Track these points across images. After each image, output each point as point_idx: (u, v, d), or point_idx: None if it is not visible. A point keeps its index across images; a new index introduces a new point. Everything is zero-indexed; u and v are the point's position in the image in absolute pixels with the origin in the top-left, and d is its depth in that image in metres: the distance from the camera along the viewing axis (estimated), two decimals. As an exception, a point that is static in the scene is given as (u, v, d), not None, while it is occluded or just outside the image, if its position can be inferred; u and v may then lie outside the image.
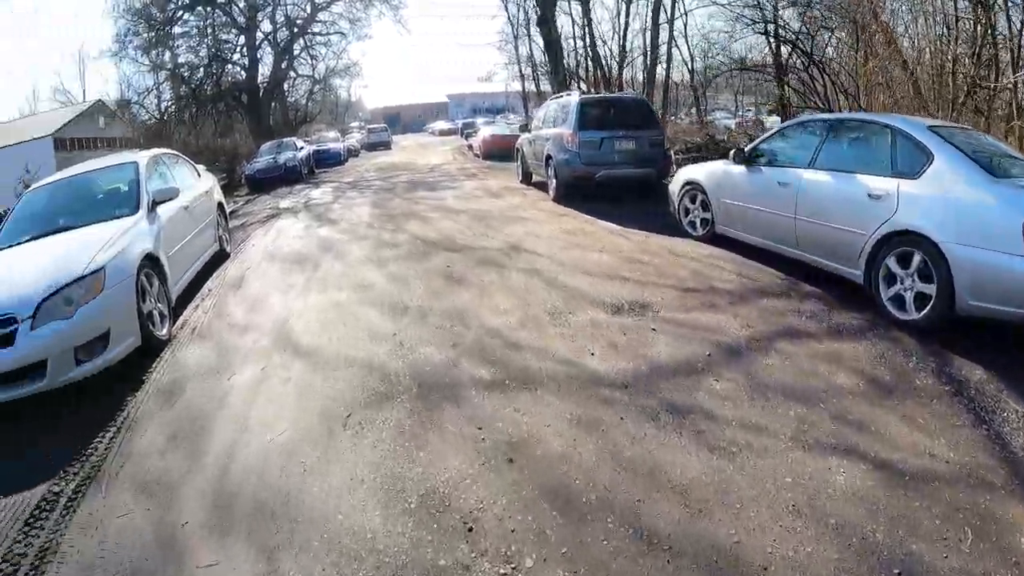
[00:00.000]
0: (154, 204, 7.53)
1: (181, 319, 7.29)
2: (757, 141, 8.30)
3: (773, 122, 20.33)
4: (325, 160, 32.32)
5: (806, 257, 6.90)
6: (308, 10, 40.13)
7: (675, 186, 9.62)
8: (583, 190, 12.50)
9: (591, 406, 4.44)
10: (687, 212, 9.32)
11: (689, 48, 27.77)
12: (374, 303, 7.04)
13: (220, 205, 10.73)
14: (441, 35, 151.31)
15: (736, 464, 3.70)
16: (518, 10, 35.96)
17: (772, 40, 19.86)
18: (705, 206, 8.93)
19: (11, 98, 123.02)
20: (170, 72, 36.87)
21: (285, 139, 29.06)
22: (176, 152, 10.16)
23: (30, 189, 8.45)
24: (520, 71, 38.00)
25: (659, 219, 10.18)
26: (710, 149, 16.18)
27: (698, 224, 9.13)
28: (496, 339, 5.78)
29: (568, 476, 3.66)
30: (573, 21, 29.42)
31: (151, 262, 6.59)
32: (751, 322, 5.81)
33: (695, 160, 14.69)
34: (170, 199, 7.85)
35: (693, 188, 9.15)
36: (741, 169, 8.09)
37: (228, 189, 25.27)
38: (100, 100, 42.40)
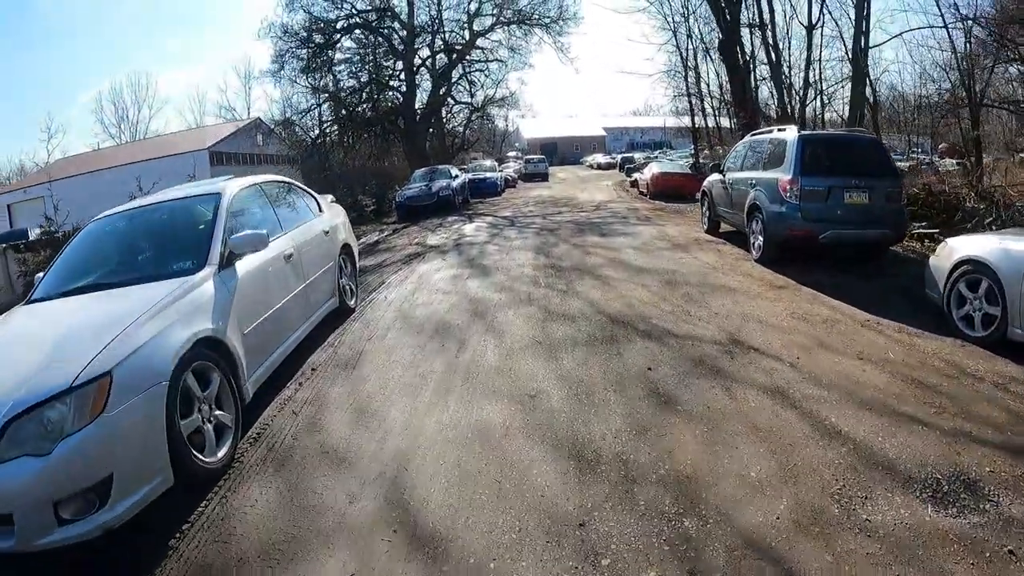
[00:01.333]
0: (231, 257, 5.55)
1: (258, 423, 5.23)
2: None
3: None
4: (481, 190, 30.72)
5: None
6: (467, 37, 39.06)
7: (942, 262, 6.91)
8: (797, 251, 9.82)
9: None
10: (961, 302, 6.55)
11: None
12: (545, 440, 4.54)
13: (346, 248, 8.73)
14: (600, 67, 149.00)
15: None
16: (688, 37, 33.17)
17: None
18: (993, 297, 6.14)
19: (185, 112, 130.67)
20: (327, 94, 36.35)
21: (440, 166, 27.57)
22: (288, 180, 8.32)
23: (96, 218, 6.58)
24: (690, 104, 35.06)
25: (906, 301, 7.75)
26: (971, 211, 12.32)
27: (978, 322, 6.36)
28: (762, 560, 3.18)
29: None
30: (752, 49, 26.44)
31: (211, 349, 4.56)
32: None
33: (923, 219, 11.94)
34: (255, 250, 5.82)
35: (975, 270, 6.36)
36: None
37: (377, 216, 24.31)
38: (259, 118, 43.31)
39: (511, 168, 47.14)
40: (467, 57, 39.66)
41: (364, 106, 37.87)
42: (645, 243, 12.72)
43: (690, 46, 33.35)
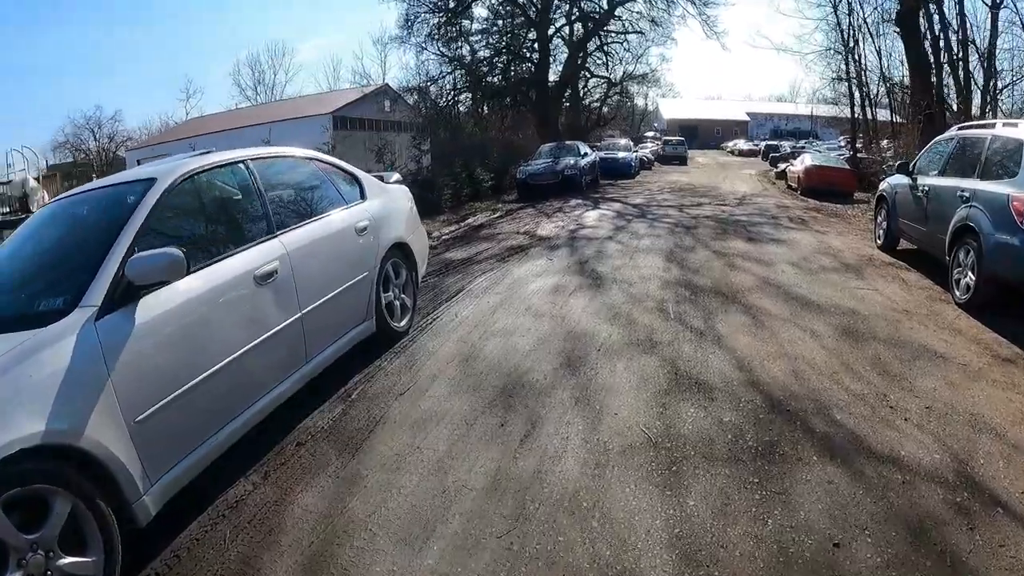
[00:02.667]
0: (130, 291, 3.33)
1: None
2: None
3: None
4: (612, 170, 28.09)
5: None
6: (605, 5, 35.80)
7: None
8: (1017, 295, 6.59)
9: None
10: None
11: None
12: None
13: (399, 248, 6.30)
14: (746, 45, 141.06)
15: None
16: (848, 13, 28.59)
17: None
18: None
19: (319, 78, 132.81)
20: (456, 61, 34.28)
21: (568, 142, 24.97)
22: (308, 154, 5.92)
23: (47, 203, 4.67)
24: (849, 89, 30.55)
25: None
26: None
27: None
28: None
29: None
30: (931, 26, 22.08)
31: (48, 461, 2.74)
32: None
33: None
34: (170, 278, 3.47)
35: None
36: None
37: (495, 192, 22.03)
38: (387, 84, 41.98)
39: (648, 149, 44.49)
40: (605, 28, 36.69)
41: (496, 75, 35.69)
42: (804, 257, 9.69)
43: (851, 23, 29.02)
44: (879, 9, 26.96)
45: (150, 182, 3.84)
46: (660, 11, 35.38)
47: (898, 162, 10.85)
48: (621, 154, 30.28)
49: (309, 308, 4.60)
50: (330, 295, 4.92)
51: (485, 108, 37.06)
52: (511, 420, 4.35)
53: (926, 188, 8.61)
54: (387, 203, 6.32)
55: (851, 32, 28.60)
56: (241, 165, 4.65)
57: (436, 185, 18.29)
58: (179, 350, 3.47)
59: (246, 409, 3.95)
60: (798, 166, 23.26)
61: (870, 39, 28.22)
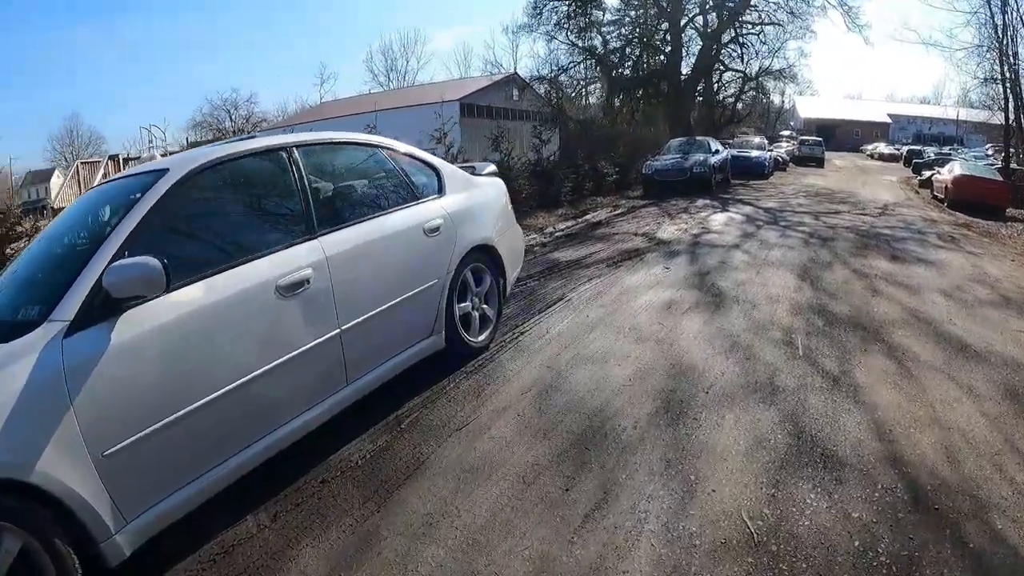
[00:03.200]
0: (109, 304, 2.80)
1: None
2: None
3: None
4: (745, 169, 26.49)
5: None
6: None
7: None
8: None
9: None
10: None
11: None
12: None
13: (483, 251, 5.50)
14: (889, 40, 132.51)
15: None
16: (1003, 6, 25.70)
17: None
18: None
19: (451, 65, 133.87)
20: (587, 51, 33.31)
21: (700, 138, 23.60)
22: (372, 141, 5.06)
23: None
24: (1004, 91, 27.63)
25: None
26: None
27: None
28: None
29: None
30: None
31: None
32: None
33: None
34: (151, 292, 2.89)
35: None
36: None
37: (619, 187, 21.11)
38: (515, 72, 41.39)
39: (783, 149, 42.15)
40: (740, 18, 34.81)
41: (627, 66, 34.55)
42: (957, 286, 8.33)
43: (1005, 19, 26.19)
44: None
45: (160, 173, 3.28)
46: (799, 1, 33.40)
47: None
48: (754, 153, 28.49)
49: (353, 323, 3.92)
50: (383, 307, 4.22)
51: (617, 100, 35.94)
52: (579, 483, 3.49)
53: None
54: (472, 199, 5.54)
55: (1006, 28, 25.98)
56: (282, 154, 4.00)
57: (556, 177, 17.44)
58: (168, 374, 2.88)
59: (260, 439, 3.34)
60: (946, 175, 21.17)
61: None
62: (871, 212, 16.36)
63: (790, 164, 38.66)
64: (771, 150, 33.14)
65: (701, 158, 20.12)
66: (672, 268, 8.69)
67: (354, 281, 4.02)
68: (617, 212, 15.40)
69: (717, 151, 21.93)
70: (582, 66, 34.25)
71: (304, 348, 3.57)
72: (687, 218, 13.80)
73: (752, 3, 34.15)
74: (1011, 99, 26.20)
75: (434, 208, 4.99)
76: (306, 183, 3.98)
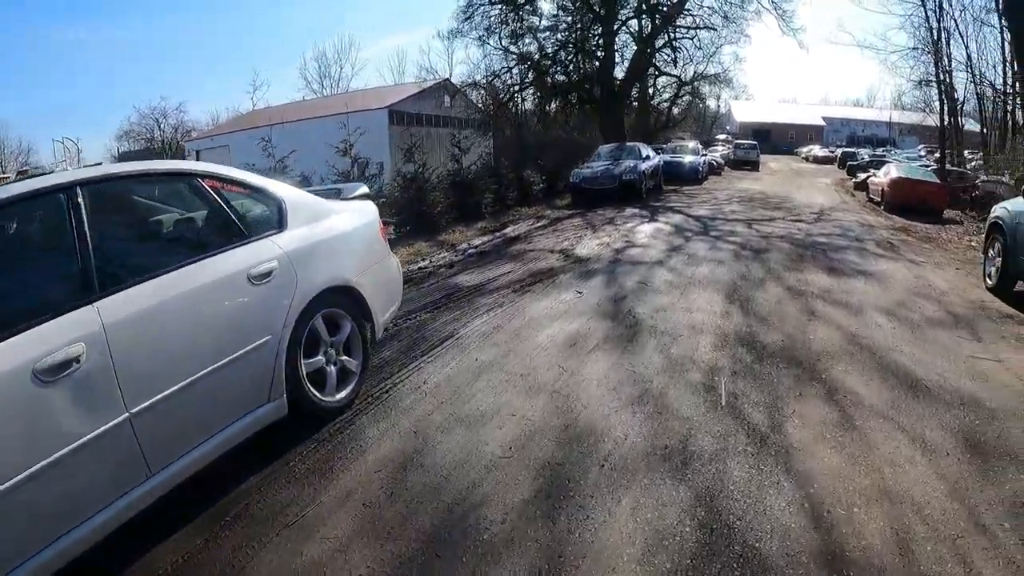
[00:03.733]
0: None
1: None
2: None
3: None
4: (677, 175, 25.91)
5: None
6: (675, -1, 33.30)
7: None
8: None
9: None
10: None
11: None
12: None
13: (343, 294, 4.51)
14: (823, 43, 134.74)
15: None
16: (939, 7, 25.90)
17: None
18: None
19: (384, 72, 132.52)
20: (520, 55, 32.52)
21: (629, 143, 22.90)
22: (197, 168, 4.09)
23: None
24: (939, 92, 27.65)
25: None
26: None
27: None
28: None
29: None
30: None
31: None
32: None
33: None
34: None
35: None
36: None
37: (547, 196, 20.40)
38: (447, 79, 40.41)
39: (718, 153, 41.98)
40: (674, 23, 34.34)
41: (560, 71, 33.85)
42: (901, 302, 7.55)
43: (940, 21, 26.35)
44: (955, 19, 24.47)
45: None
46: (733, 5, 33.07)
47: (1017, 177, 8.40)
48: (688, 158, 27.89)
49: (147, 403, 3.03)
50: (192, 378, 3.28)
51: (552, 105, 35.34)
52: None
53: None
54: (325, 232, 4.52)
55: (940, 30, 26.02)
56: (57, 197, 3.06)
57: (477, 188, 16.42)
58: None
59: (32, 557, 2.61)
60: (882, 178, 20.80)
61: (960, 39, 25.68)
62: (806, 218, 15.72)
63: (725, 168, 38.51)
64: (705, 155, 32.64)
65: (631, 165, 19.30)
66: (585, 292, 7.73)
67: (146, 352, 3.09)
68: (539, 224, 14.45)
69: (648, 157, 21.16)
70: (516, 71, 33.29)
71: (80, 442, 2.75)
72: (611, 230, 12.90)
73: (687, 8, 33.79)
74: (946, 101, 26.19)
75: (266, 249, 3.96)
76: (86, 233, 3.04)
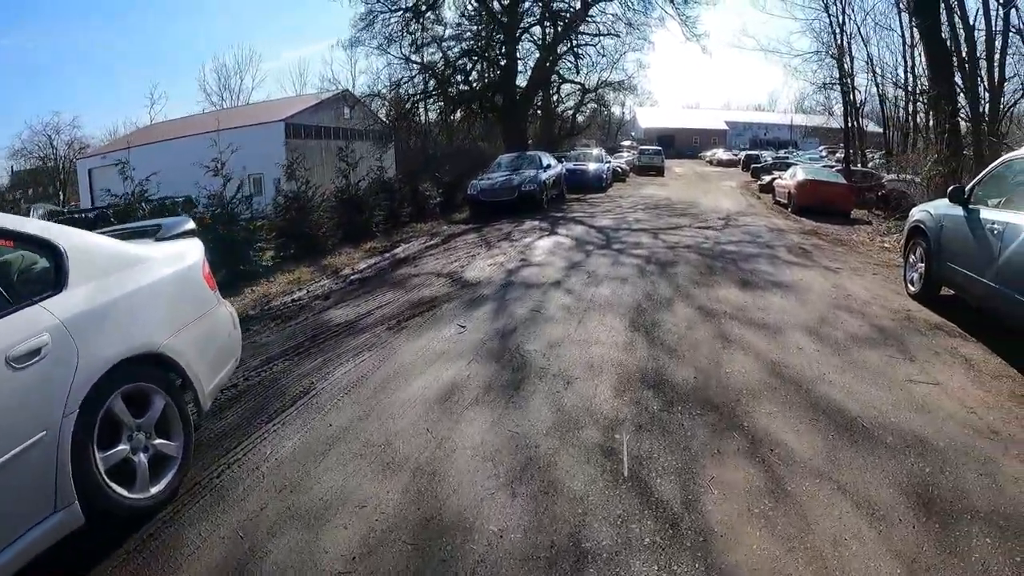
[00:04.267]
0: None
1: None
2: None
3: None
4: (581, 183, 25.37)
5: None
6: (577, 5, 32.81)
7: None
8: None
9: None
10: None
11: None
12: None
13: (149, 361, 3.53)
14: (728, 48, 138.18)
15: None
16: (843, 12, 26.28)
17: None
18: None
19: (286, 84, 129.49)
20: (420, 64, 31.50)
21: (530, 152, 22.07)
22: None
23: None
24: (843, 93, 27.91)
25: None
26: None
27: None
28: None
29: None
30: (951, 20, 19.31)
31: None
32: None
33: None
34: None
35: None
36: None
37: (445, 211, 19.41)
38: (347, 90, 38.92)
39: (623, 159, 42.03)
40: (577, 30, 33.80)
41: (459, 79, 32.95)
42: (823, 317, 6.85)
43: (844, 25, 26.72)
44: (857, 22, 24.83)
45: None
46: (637, 12, 32.82)
47: (952, 186, 7.73)
48: (592, 165, 27.33)
49: None
50: None
51: (456, 115, 34.43)
52: None
53: (1002, 226, 5.79)
54: (122, 287, 3.53)
55: (843, 35, 26.35)
56: None
57: (367, 205, 15.27)
58: None
59: None
60: (788, 180, 20.61)
61: (863, 43, 26.10)
62: (714, 224, 15.16)
63: (630, 174, 38.39)
64: (610, 161, 32.24)
65: (531, 175, 18.48)
66: (469, 326, 6.73)
67: None
68: (431, 243, 13.41)
69: (549, 166, 20.40)
70: (419, 81, 32.06)
71: None
72: (507, 247, 11.97)
73: (589, 15, 33.28)
74: (849, 102, 26.48)
75: (31, 319, 2.88)
76: None
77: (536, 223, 15.27)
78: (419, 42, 31.31)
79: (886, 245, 12.42)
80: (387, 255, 12.25)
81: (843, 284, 8.55)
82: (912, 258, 8.07)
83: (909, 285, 8.07)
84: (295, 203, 13.08)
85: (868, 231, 14.90)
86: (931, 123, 17.46)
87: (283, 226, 12.82)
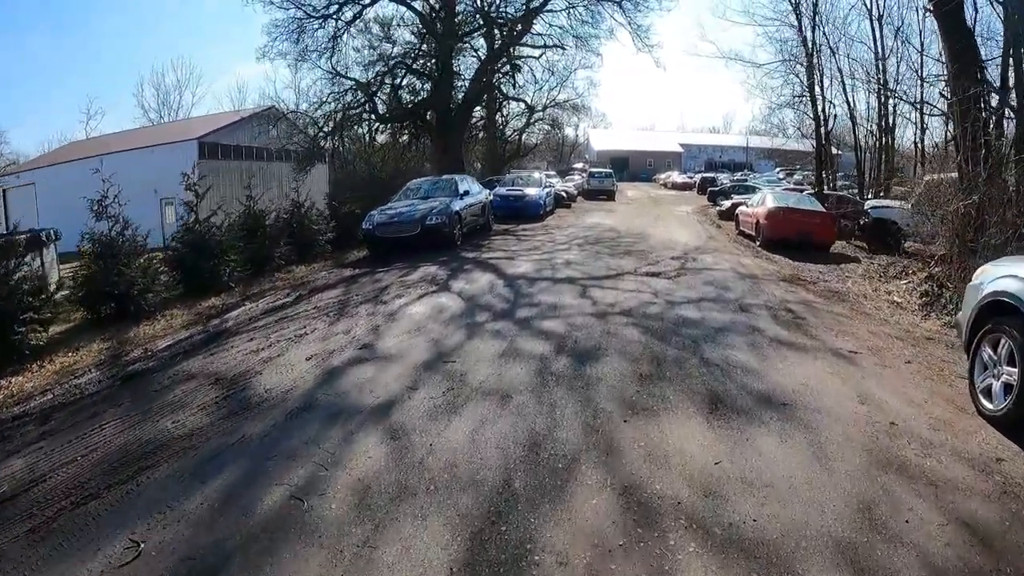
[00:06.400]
0: None
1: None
2: None
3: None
4: (514, 212, 22.19)
5: None
6: (520, 14, 29.60)
7: None
8: None
9: None
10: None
11: None
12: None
13: None
14: (683, 64, 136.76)
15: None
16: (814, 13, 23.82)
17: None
18: None
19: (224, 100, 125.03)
20: (342, 76, 28.34)
21: (446, 177, 18.28)
22: None
23: None
24: (814, 108, 25.07)
25: None
26: None
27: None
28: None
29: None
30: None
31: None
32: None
33: None
34: None
35: None
36: None
37: (347, 246, 15.96)
38: (273, 106, 35.16)
39: (573, 183, 39.04)
40: (520, 42, 30.90)
41: (386, 94, 29.81)
42: (863, 499, 3.53)
43: (816, 37, 24.17)
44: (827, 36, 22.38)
45: None
46: (585, 23, 29.81)
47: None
48: (529, 190, 23.82)
49: None
50: None
51: (383, 135, 31.82)
52: None
53: None
54: None
55: (813, 43, 23.76)
56: None
57: (220, 248, 11.51)
58: None
59: None
60: (756, 208, 17.45)
61: (832, 54, 23.50)
62: (666, 269, 11.72)
63: (578, 198, 35.46)
64: (551, 185, 28.73)
65: (438, 205, 14.92)
66: (150, 549, 3.15)
67: None
68: (281, 303, 9.63)
69: (467, 193, 16.79)
70: (348, 97, 28.53)
71: None
72: (364, 316, 8.35)
73: (533, 27, 30.14)
74: (816, 118, 23.88)
75: None
76: None
77: (434, 269, 11.73)
78: (342, 52, 28.10)
79: (895, 298, 9.22)
80: (213, 323, 8.64)
81: (871, 393, 5.25)
82: (988, 354, 4.86)
83: (983, 400, 4.88)
84: (108, 250, 9.48)
85: (860, 272, 11.83)
86: (950, 136, 13.96)
87: (92, 276, 9.20)
